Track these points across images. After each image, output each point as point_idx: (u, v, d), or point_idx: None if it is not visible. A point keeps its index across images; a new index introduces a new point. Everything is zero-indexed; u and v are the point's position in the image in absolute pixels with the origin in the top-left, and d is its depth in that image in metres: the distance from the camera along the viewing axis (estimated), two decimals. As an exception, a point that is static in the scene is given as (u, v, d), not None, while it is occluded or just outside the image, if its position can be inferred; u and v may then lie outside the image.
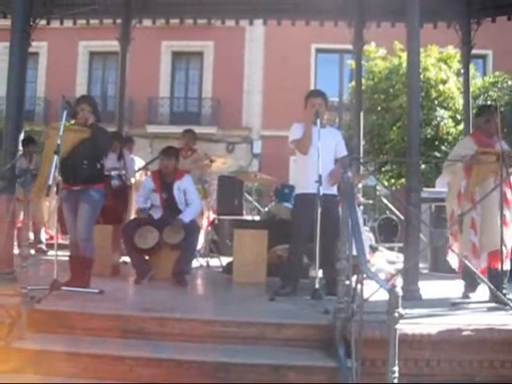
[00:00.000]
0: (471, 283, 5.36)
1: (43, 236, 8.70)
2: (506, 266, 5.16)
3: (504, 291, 5.00)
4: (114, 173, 7.38)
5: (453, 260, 5.53)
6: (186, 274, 6.07)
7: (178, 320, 4.29)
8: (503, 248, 5.01)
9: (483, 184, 5.20)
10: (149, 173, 7.93)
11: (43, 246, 8.53)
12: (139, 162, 8.87)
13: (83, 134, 5.26)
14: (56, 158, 4.83)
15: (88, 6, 8.67)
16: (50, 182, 4.87)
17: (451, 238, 5.37)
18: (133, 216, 7.42)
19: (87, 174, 5.28)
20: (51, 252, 7.91)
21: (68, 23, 9.81)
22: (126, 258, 6.72)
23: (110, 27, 9.90)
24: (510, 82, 14.92)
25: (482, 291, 5.31)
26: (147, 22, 9.88)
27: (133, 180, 8.09)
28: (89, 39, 20.42)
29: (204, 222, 7.95)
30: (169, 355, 3.96)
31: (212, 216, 8.40)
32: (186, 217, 6.24)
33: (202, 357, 3.95)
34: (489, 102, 14.33)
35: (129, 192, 7.81)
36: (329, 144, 5.45)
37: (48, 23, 9.43)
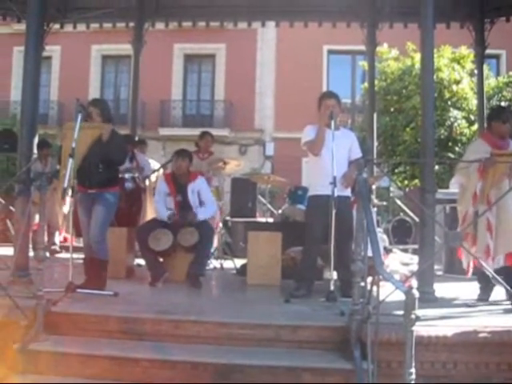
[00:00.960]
0: (486, 286, 5.31)
1: (57, 238, 8.75)
2: None
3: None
4: (127, 175, 7.40)
5: (464, 261, 5.48)
6: (200, 276, 6.08)
7: (193, 322, 4.29)
8: None
9: (499, 185, 5.16)
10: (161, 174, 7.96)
11: (57, 248, 8.58)
12: (153, 165, 8.90)
13: (97, 130, 5.27)
14: (71, 162, 4.85)
15: (101, 9, 8.72)
16: (65, 184, 4.90)
17: (464, 239, 5.33)
18: (147, 218, 7.44)
19: (103, 178, 5.31)
20: (65, 254, 7.98)
21: (81, 27, 9.86)
22: (141, 261, 6.73)
23: (122, 31, 9.97)
24: (524, 83, 14.82)
25: (497, 292, 5.27)
26: (160, 25, 9.92)
27: (147, 182, 8.12)
28: (101, 43, 20.56)
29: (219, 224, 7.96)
30: (184, 357, 3.96)
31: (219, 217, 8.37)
32: (201, 214, 6.27)
33: (217, 359, 3.95)
34: (503, 103, 14.27)
35: (143, 194, 7.83)
36: (343, 146, 5.44)
37: (61, 27, 9.51)
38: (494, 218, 5.17)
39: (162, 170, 8.28)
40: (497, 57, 20.57)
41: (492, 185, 5.19)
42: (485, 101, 9.39)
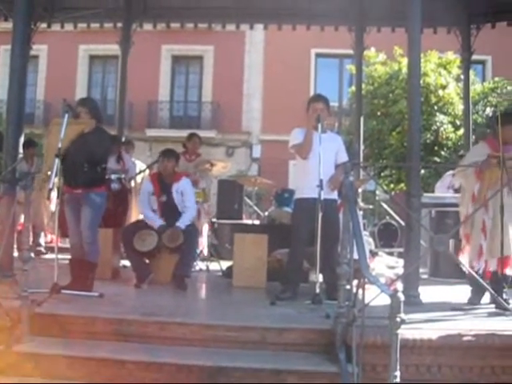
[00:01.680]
0: (477, 289, 5.31)
1: (42, 239, 8.70)
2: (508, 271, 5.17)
3: (504, 296, 5.00)
4: (113, 176, 7.37)
5: (465, 261, 5.48)
6: (186, 277, 6.06)
7: (178, 324, 4.28)
8: (510, 254, 5.02)
9: (495, 188, 5.19)
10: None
11: (42, 249, 8.53)
12: (140, 166, 8.88)
13: (82, 126, 5.23)
14: (57, 162, 4.82)
15: (89, 9, 8.69)
16: (51, 185, 4.87)
17: (464, 241, 5.35)
18: (133, 219, 7.42)
19: (88, 178, 5.26)
20: (50, 255, 7.93)
21: (68, 27, 9.81)
22: (126, 262, 6.71)
23: (110, 31, 9.93)
24: (509, 88, 14.95)
25: (486, 297, 5.31)
26: (148, 26, 9.90)
27: (133, 183, 8.10)
28: (89, 43, 20.47)
29: (204, 227, 7.96)
30: (169, 359, 3.94)
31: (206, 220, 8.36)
32: (182, 223, 6.23)
33: (203, 361, 3.94)
34: (488, 109, 14.40)
35: (129, 195, 7.81)
36: (330, 149, 5.45)
37: (49, 26, 9.45)
38: (489, 220, 5.17)
39: (147, 171, 8.26)
40: (483, 62, 20.74)
41: (489, 187, 5.20)
42: (470, 106, 9.49)
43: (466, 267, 5.01)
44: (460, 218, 5.56)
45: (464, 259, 5.41)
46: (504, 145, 5.35)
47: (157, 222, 6.25)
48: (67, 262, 5.48)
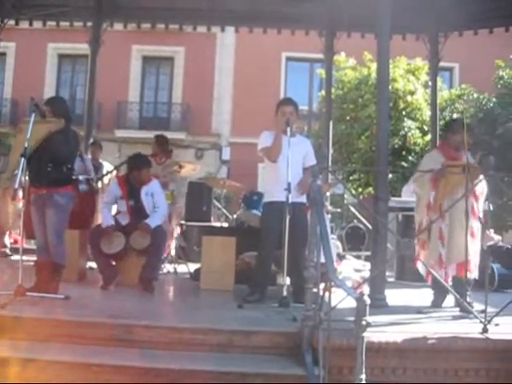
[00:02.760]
0: (440, 292, 5.41)
1: (7, 240, 8.55)
2: (474, 275, 5.26)
3: (468, 299, 5.09)
4: (81, 177, 7.29)
5: (422, 269, 5.58)
6: (153, 280, 6.02)
7: (145, 327, 4.25)
8: (471, 259, 5.11)
9: (452, 197, 5.28)
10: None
11: (7, 250, 8.38)
12: (107, 167, 8.80)
13: (49, 125, 5.16)
14: (23, 161, 4.76)
15: (58, 7, 8.60)
16: (16, 185, 4.79)
17: (418, 247, 5.44)
18: (100, 221, 7.33)
19: (52, 178, 5.19)
20: (15, 256, 7.80)
21: (37, 24, 9.69)
22: (93, 264, 6.64)
23: (80, 30, 9.83)
24: (475, 95, 15.22)
25: (449, 300, 5.39)
26: (118, 26, 9.82)
27: (100, 184, 8.02)
28: (58, 41, 20.20)
29: (174, 228, 7.91)
30: (136, 363, 3.91)
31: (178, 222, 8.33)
32: (152, 222, 6.19)
33: (170, 364, 3.92)
34: (455, 115, 14.64)
35: (96, 196, 7.73)
36: (298, 152, 5.48)
37: (17, 24, 9.32)
38: (446, 227, 5.28)
39: (115, 172, 8.20)
40: (450, 70, 21.08)
41: (444, 195, 5.32)
42: (438, 112, 9.65)
43: (430, 270, 5.08)
44: (415, 225, 5.63)
45: (419, 266, 5.51)
46: (456, 151, 5.48)
47: (106, 221, 6.21)
48: (33, 263, 5.40)
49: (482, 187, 5.37)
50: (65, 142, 5.19)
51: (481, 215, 5.41)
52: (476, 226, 5.32)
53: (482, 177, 5.27)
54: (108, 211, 6.35)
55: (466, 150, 5.28)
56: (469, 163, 5.16)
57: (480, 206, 5.41)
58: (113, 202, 6.41)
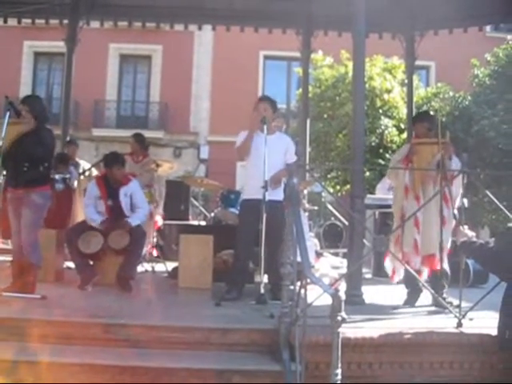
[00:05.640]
0: (414, 290, 5.44)
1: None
2: (444, 266, 5.29)
3: (444, 295, 5.15)
4: (58, 176, 7.24)
5: (388, 267, 5.58)
6: (130, 279, 6.00)
7: (122, 326, 4.25)
8: (441, 249, 5.13)
9: (425, 184, 5.34)
10: (93, 175, 7.84)
11: (-17, 251, 8.29)
12: (84, 166, 8.74)
13: (23, 125, 5.11)
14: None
15: (34, 4, 8.49)
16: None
17: (392, 243, 5.43)
18: (77, 220, 7.29)
19: (29, 177, 5.14)
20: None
21: (12, 22, 9.57)
22: (70, 263, 6.59)
23: (56, 27, 9.73)
24: (451, 93, 15.38)
25: (424, 296, 5.45)
26: (95, 24, 9.75)
27: (76, 183, 7.96)
28: (34, 39, 19.98)
29: (151, 227, 7.89)
30: (113, 361, 3.91)
31: (160, 221, 8.31)
32: (133, 220, 6.19)
33: (147, 362, 3.92)
34: (431, 113, 14.77)
35: (73, 196, 7.68)
36: (277, 150, 5.50)
37: (-9, 21, 9.21)
38: (421, 214, 5.24)
39: (94, 172, 8.14)
40: (427, 68, 21.27)
41: (421, 179, 5.34)
42: (414, 110, 9.74)
43: (406, 266, 5.12)
44: (395, 218, 5.65)
45: (387, 262, 5.54)
46: (424, 135, 5.56)
47: (95, 218, 6.18)
48: (9, 263, 5.36)
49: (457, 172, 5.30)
50: (38, 142, 5.14)
51: (455, 204, 5.29)
52: (447, 213, 5.23)
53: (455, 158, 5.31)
54: (91, 209, 6.29)
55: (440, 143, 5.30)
56: (439, 139, 5.21)
57: (453, 192, 5.22)
58: (94, 204, 6.35)
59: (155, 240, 7.93)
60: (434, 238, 5.13)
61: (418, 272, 5.24)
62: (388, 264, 5.54)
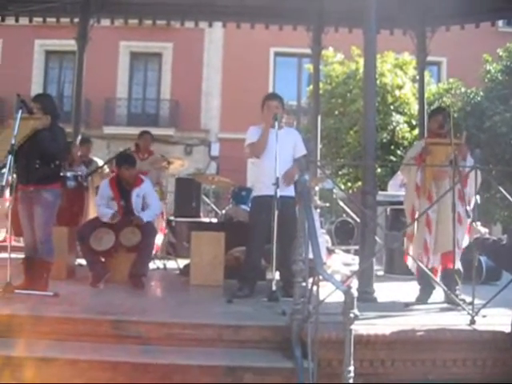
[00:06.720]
0: (426, 287, 5.40)
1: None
2: (458, 265, 5.26)
3: (457, 292, 5.11)
4: (69, 173, 7.26)
5: (412, 265, 5.54)
6: (142, 276, 6.02)
7: (134, 323, 4.25)
8: (456, 248, 5.10)
9: (439, 183, 5.30)
10: (106, 173, 7.86)
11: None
12: (99, 163, 8.75)
13: (36, 121, 5.13)
14: (10, 159, 4.73)
15: (45, 3, 8.52)
16: (4, 182, 4.77)
17: (406, 240, 5.43)
18: (89, 217, 7.31)
19: (40, 175, 5.17)
20: (3, 254, 7.76)
21: (24, 20, 9.61)
22: (82, 261, 6.62)
23: (67, 26, 9.76)
24: (463, 89, 15.29)
25: (436, 293, 5.41)
26: (105, 22, 9.77)
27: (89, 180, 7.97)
28: (45, 38, 20.06)
29: (162, 225, 7.91)
30: (124, 358, 3.92)
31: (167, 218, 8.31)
32: (145, 216, 6.22)
33: (159, 359, 3.93)
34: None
35: (85, 193, 7.69)
36: (286, 145, 5.49)
37: (3, 20, 9.27)
38: (434, 213, 5.22)
39: (107, 170, 8.16)
40: (438, 64, 21.16)
41: (434, 177, 5.30)
42: (426, 106, 9.66)
43: (420, 265, 5.08)
44: (406, 216, 5.63)
45: (409, 261, 5.50)
46: (438, 130, 5.49)
47: (107, 214, 6.19)
48: (21, 261, 5.38)
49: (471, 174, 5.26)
50: (52, 139, 5.16)
51: (471, 203, 5.23)
52: (462, 211, 5.17)
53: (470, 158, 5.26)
54: (104, 207, 6.32)
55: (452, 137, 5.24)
56: (453, 140, 5.16)
57: (467, 192, 5.18)
58: (106, 204, 6.36)
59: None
60: (452, 235, 5.08)
61: (433, 269, 5.21)
62: (411, 262, 5.47)
